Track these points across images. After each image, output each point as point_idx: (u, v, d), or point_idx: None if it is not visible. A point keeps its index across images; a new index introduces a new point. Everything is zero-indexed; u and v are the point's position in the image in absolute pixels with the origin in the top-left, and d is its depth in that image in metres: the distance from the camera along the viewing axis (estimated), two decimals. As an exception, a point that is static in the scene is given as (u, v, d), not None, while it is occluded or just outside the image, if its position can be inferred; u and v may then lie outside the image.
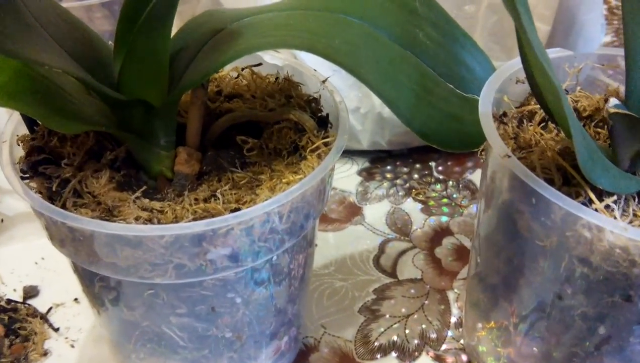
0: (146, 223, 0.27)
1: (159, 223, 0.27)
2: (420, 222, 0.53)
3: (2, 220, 0.51)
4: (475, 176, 0.58)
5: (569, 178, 0.29)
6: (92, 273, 0.30)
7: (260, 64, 0.38)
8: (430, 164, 0.59)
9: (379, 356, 0.42)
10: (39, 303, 0.44)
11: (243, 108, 0.35)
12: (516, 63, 0.35)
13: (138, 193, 0.29)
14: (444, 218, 0.53)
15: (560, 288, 0.29)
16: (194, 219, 0.27)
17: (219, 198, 0.29)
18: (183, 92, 0.31)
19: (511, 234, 0.31)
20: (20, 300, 0.44)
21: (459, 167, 0.59)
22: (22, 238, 0.49)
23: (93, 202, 0.29)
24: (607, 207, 0.27)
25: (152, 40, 0.29)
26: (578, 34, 0.54)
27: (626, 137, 0.28)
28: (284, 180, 0.30)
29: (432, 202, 0.55)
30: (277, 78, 0.37)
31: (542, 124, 0.34)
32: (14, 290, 0.45)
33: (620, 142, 0.28)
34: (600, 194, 0.27)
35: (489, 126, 0.30)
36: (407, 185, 0.57)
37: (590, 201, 0.27)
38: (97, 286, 0.30)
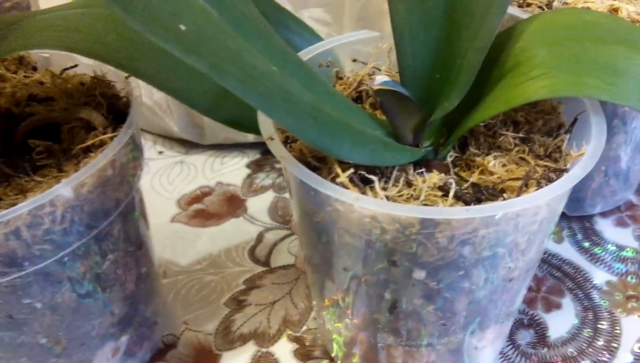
0: None
1: None
2: (299, 208, 0.52)
3: None
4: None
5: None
6: None
7: (76, 66, 0.38)
8: (317, 149, 0.59)
9: (237, 345, 0.41)
10: None
11: (42, 111, 0.34)
12: (314, 48, 0.35)
13: None
14: (321, 202, 0.53)
15: (343, 260, 0.29)
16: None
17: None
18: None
19: (302, 213, 0.31)
20: None
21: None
22: None
23: None
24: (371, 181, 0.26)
25: None
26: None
27: (397, 113, 0.28)
28: (63, 180, 0.30)
29: (314, 187, 0.54)
30: (84, 78, 0.37)
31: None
32: None
33: (393, 117, 0.28)
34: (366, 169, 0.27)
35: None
36: (293, 172, 0.57)
37: (338, 175, 0.26)
38: None
